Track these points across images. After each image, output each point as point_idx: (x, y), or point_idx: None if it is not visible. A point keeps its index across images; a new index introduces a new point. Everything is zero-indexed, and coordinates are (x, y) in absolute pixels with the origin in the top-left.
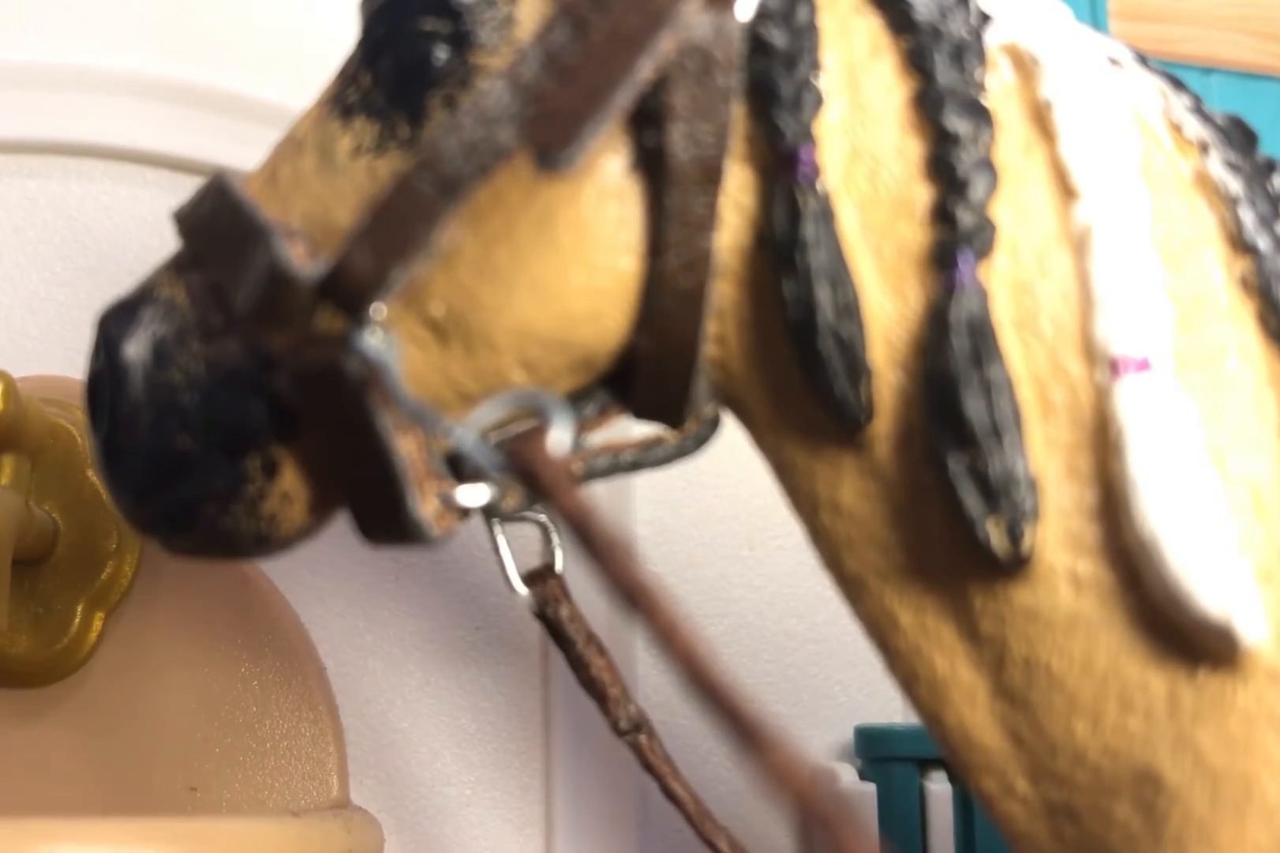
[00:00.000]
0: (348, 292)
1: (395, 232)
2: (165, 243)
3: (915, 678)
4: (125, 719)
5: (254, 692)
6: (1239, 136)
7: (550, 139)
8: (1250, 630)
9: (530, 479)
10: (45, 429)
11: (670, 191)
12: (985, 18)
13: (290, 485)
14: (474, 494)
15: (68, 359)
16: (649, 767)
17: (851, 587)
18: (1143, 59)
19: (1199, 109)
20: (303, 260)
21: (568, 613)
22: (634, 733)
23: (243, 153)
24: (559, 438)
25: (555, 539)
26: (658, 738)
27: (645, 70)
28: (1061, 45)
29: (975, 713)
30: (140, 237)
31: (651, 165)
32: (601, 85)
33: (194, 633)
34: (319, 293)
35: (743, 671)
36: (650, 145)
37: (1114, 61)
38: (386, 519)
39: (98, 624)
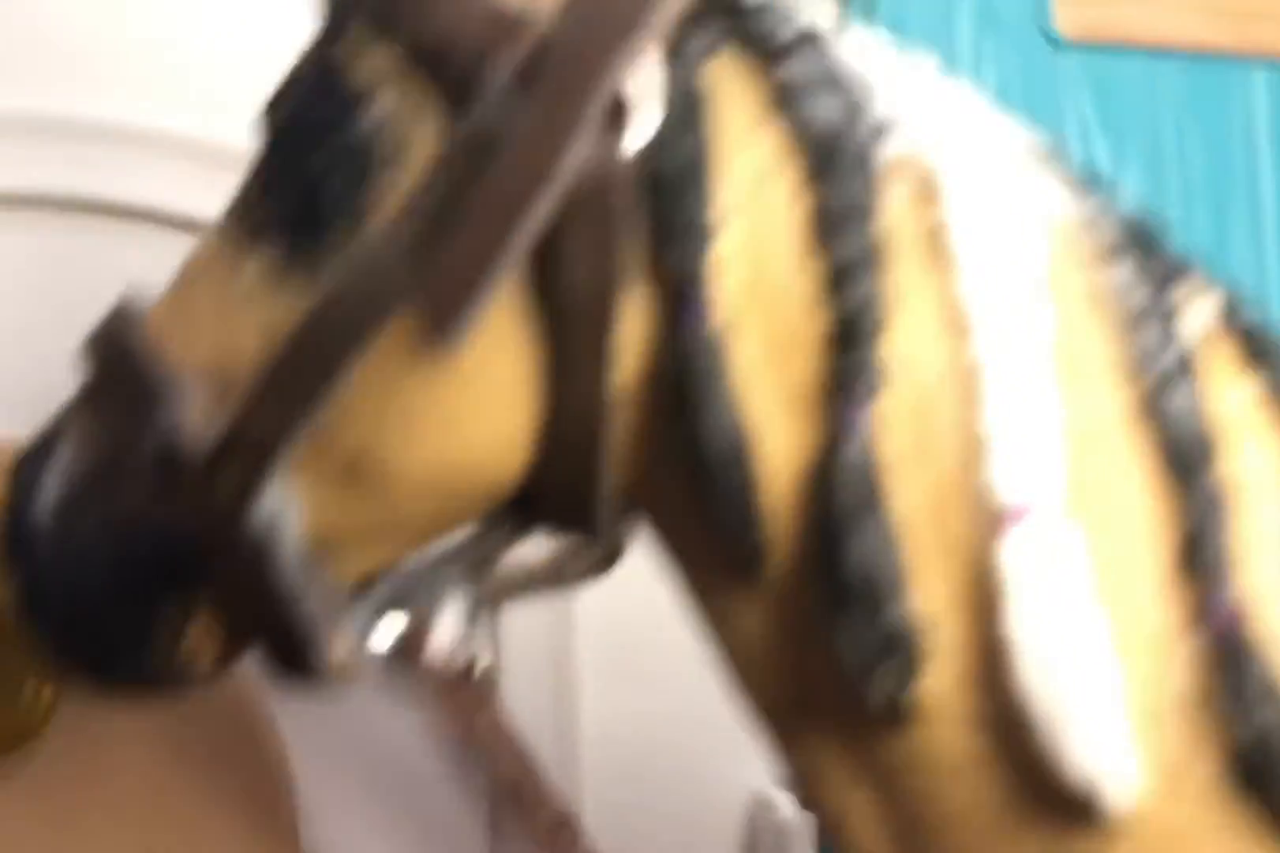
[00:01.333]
0: (242, 462)
1: (285, 393)
2: None
3: (818, 807)
4: (82, 787)
5: (209, 754)
6: (1146, 241)
7: (436, 315)
8: (1118, 800)
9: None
10: None
11: (564, 334)
12: (886, 126)
13: (205, 629)
14: (384, 637)
15: None
16: None
17: (753, 711)
18: (1056, 153)
19: (1109, 212)
20: (198, 417)
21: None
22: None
23: None
24: (439, 644)
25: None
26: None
27: (534, 228)
28: (964, 155)
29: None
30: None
31: (544, 308)
32: (488, 248)
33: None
34: (213, 462)
35: (688, 692)
36: (542, 289)
37: (1025, 160)
38: (296, 665)
39: (48, 695)
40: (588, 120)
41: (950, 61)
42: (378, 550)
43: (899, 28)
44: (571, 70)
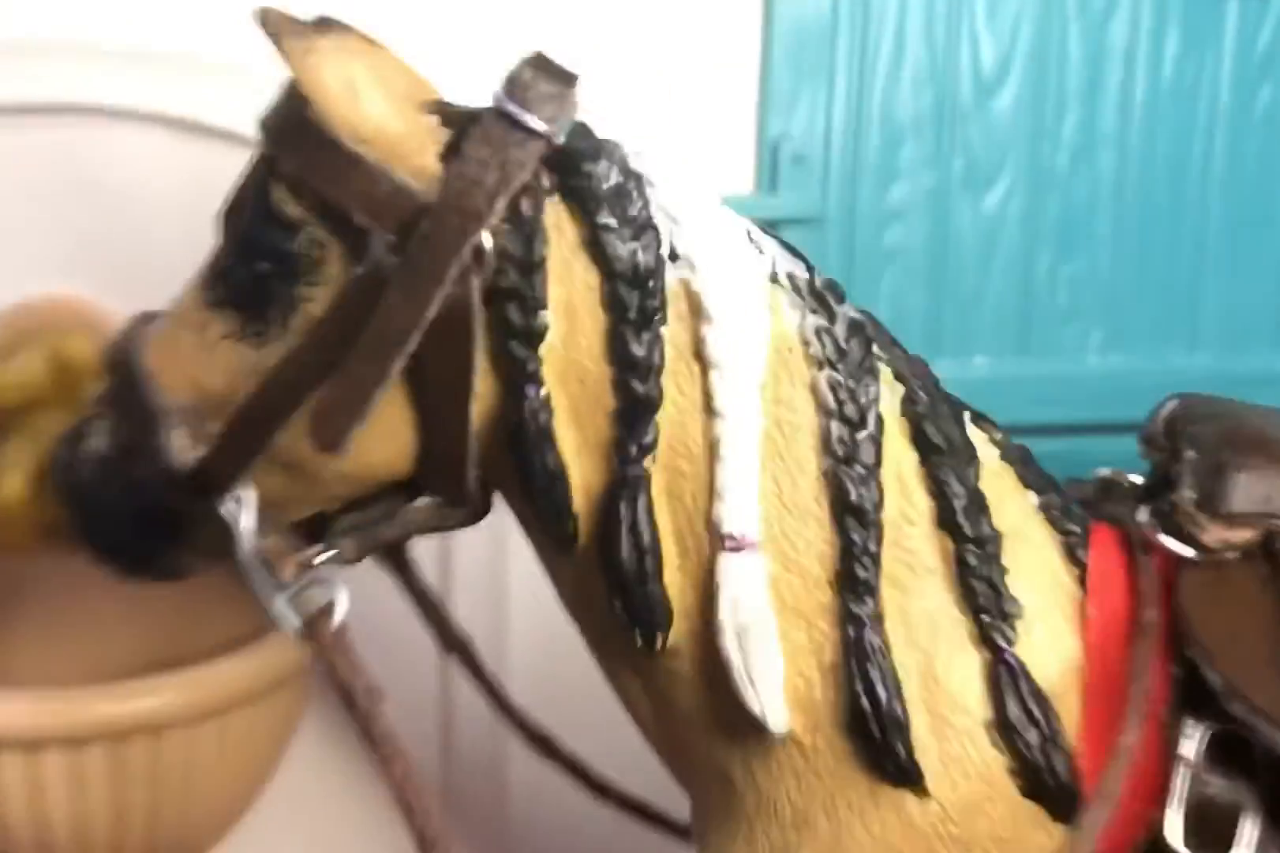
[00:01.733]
0: (214, 481)
1: (243, 439)
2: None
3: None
4: None
5: None
6: (856, 348)
7: (324, 432)
8: (777, 725)
9: (319, 649)
10: None
11: (434, 395)
12: (671, 257)
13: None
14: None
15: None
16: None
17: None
18: (803, 270)
19: (828, 327)
20: (183, 447)
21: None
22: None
23: None
24: (338, 616)
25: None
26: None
27: (408, 351)
28: (723, 281)
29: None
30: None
31: (419, 381)
32: (367, 380)
33: None
34: (194, 474)
35: None
36: (416, 371)
37: (774, 279)
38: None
39: None
40: (450, 272)
41: None
42: (309, 509)
43: None
44: (436, 231)
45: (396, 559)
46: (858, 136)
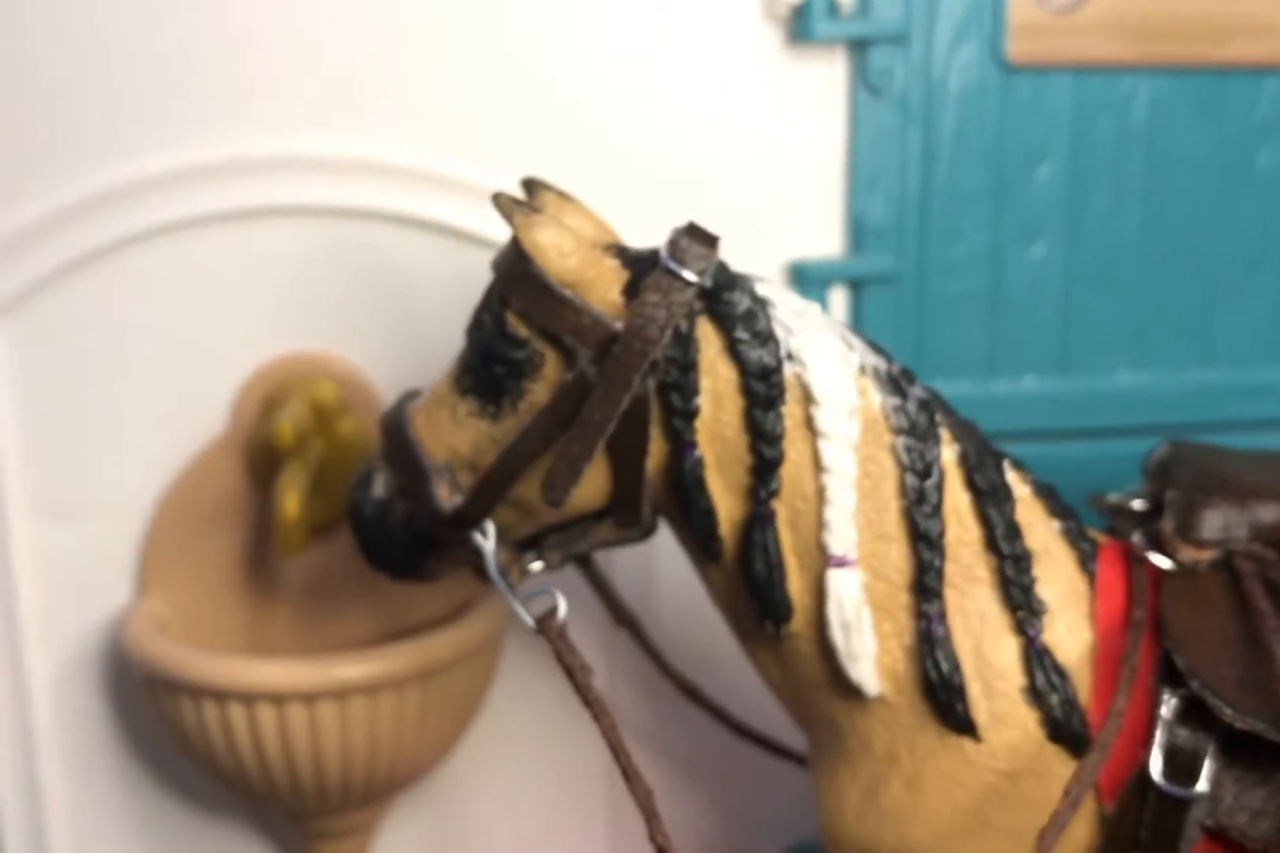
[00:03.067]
0: (468, 520)
1: (489, 492)
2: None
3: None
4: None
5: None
6: (923, 419)
7: (551, 492)
8: (870, 689)
9: (547, 640)
10: None
11: (619, 459)
12: (788, 357)
13: (441, 563)
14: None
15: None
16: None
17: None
18: (884, 362)
19: (902, 405)
20: (446, 496)
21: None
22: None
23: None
24: (561, 616)
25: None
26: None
27: (608, 433)
28: (824, 373)
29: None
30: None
31: (609, 449)
32: (579, 456)
33: None
34: (454, 519)
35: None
36: (607, 445)
37: (863, 370)
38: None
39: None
40: (635, 381)
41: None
42: (528, 531)
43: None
44: (624, 353)
45: (584, 562)
46: (925, 208)
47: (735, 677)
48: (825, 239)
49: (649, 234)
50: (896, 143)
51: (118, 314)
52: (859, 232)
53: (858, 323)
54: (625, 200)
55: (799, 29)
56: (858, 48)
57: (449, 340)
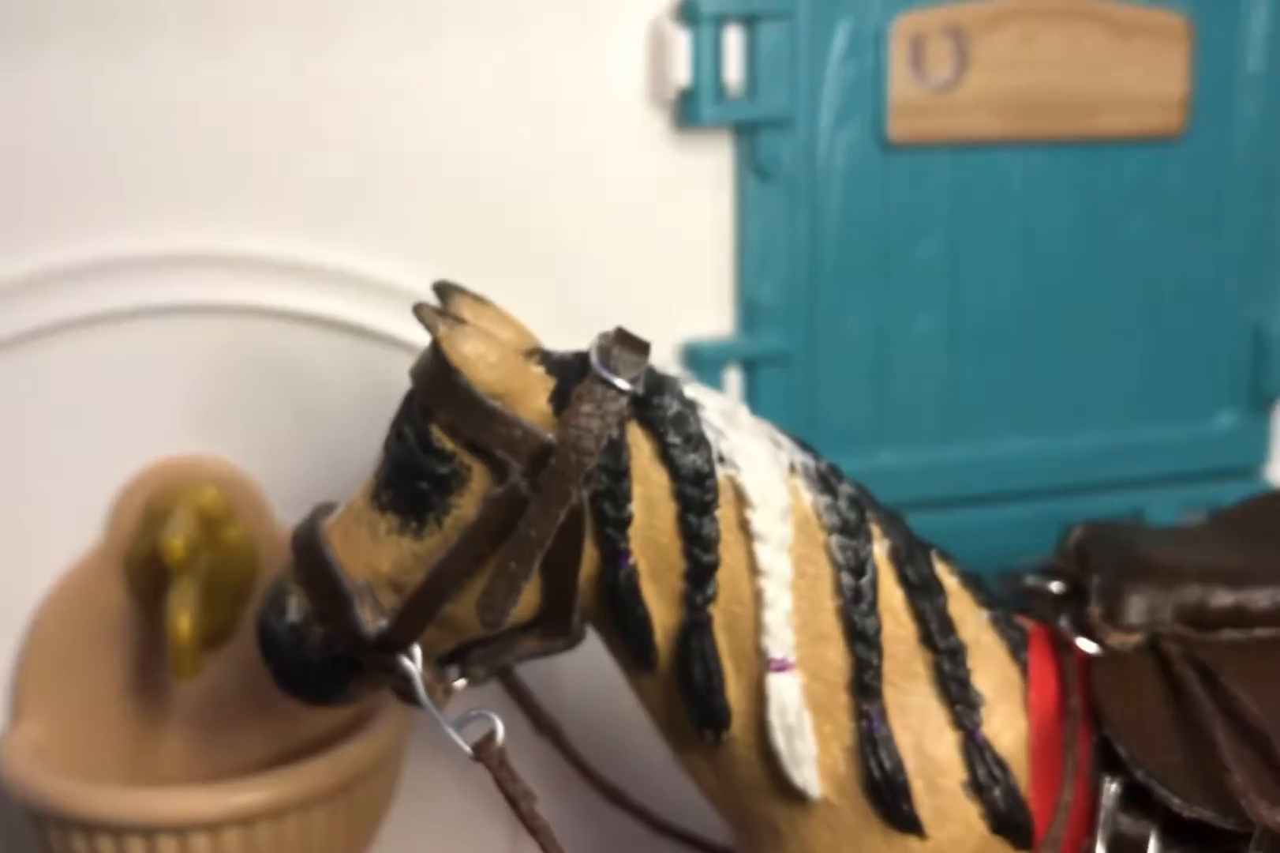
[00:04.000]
0: (395, 643)
1: (418, 613)
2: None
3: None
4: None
5: None
6: (854, 516)
7: (488, 615)
8: (813, 793)
9: (487, 766)
10: None
11: (551, 572)
12: (720, 459)
13: (361, 686)
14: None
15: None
16: None
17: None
18: (812, 460)
19: (833, 503)
20: (370, 620)
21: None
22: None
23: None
24: (499, 739)
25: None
26: None
27: (544, 554)
28: (756, 473)
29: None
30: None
31: (542, 564)
32: (518, 574)
33: None
34: (379, 643)
35: None
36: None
37: (793, 469)
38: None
39: None
40: (572, 494)
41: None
42: (453, 645)
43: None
44: (561, 466)
45: (503, 673)
46: (814, 287)
47: (650, 775)
48: (717, 320)
49: (545, 321)
50: (784, 224)
51: None
52: (750, 312)
53: (752, 402)
54: (518, 285)
55: (686, 113)
56: (745, 131)
57: (344, 442)
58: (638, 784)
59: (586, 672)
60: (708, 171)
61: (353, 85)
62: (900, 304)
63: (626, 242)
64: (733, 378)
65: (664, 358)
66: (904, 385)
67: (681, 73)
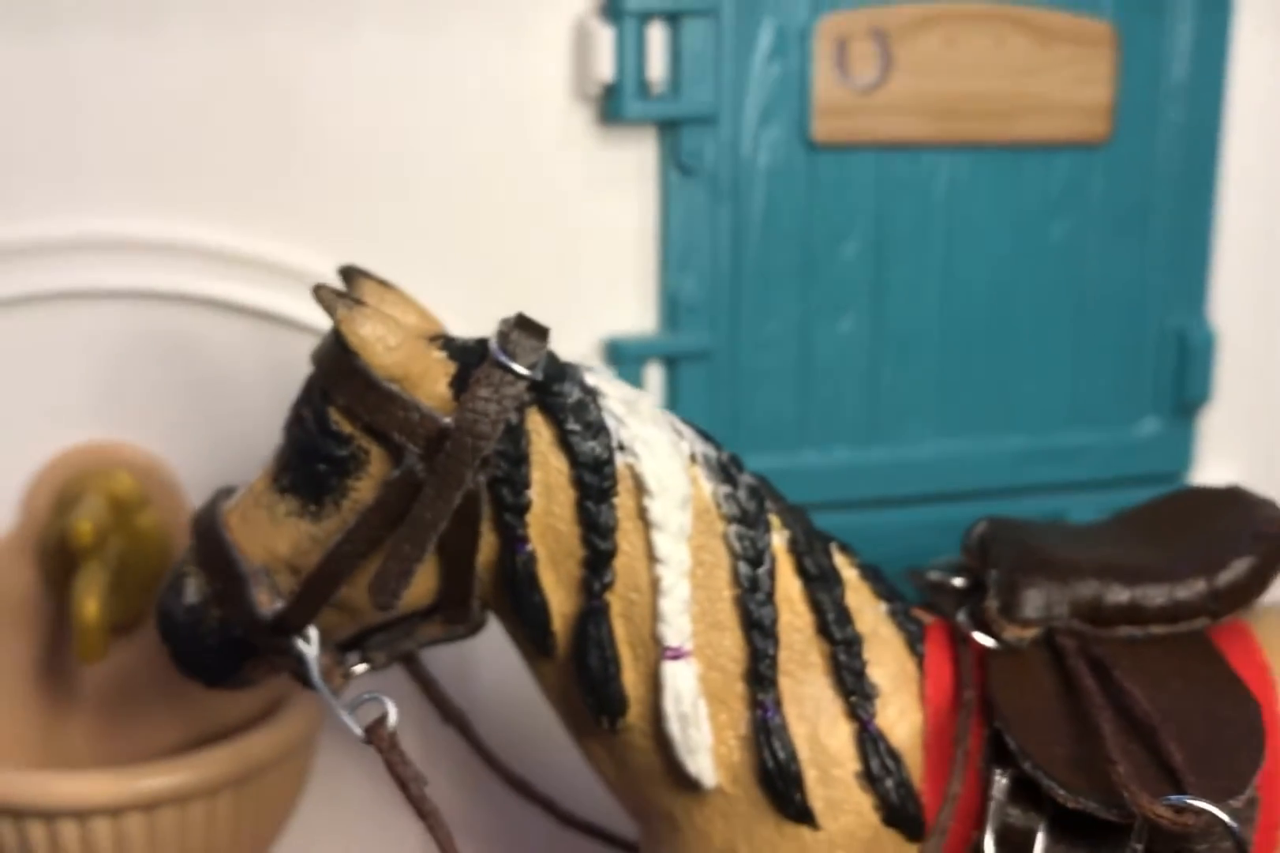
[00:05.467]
0: (290, 625)
1: (313, 596)
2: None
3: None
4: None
5: None
6: (754, 507)
7: (381, 596)
8: (708, 781)
9: (378, 750)
10: None
11: (448, 556)
12: (620, 447)
13: (257, 668)
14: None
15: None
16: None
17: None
18: (713, 449)
19: (733, 492)
20: (265, 601)
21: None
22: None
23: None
24: (391, 723)
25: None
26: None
27: (437, 533)
28: (656, 462)
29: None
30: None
31: (438, 547)
32: (410, 556)
33: None
34: (274, 624)
35: None
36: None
37: (693, 458)
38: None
39: None
40: (467, 477)
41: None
42: (350, 632)
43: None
44: (456, 450)
45: (408, 659)
46: (736, 285)
47: (560, 767)
48: (639, 316)
49: (464, 313)
50: (707, 221)
51: None
52: (672, 309)
53: (673, 399)
54: (438, 279)
55: (610, 109)
56: (668, 128)
57: (252, 427)
58: (555, 777)
59: (502, 661)
60: (631, 168)
61: (271, 72)
62: (823, 304)
63: (549, 236)
64: (654, 374)
65: (586, 353)
66: (827, 385)
67: (605, 69)
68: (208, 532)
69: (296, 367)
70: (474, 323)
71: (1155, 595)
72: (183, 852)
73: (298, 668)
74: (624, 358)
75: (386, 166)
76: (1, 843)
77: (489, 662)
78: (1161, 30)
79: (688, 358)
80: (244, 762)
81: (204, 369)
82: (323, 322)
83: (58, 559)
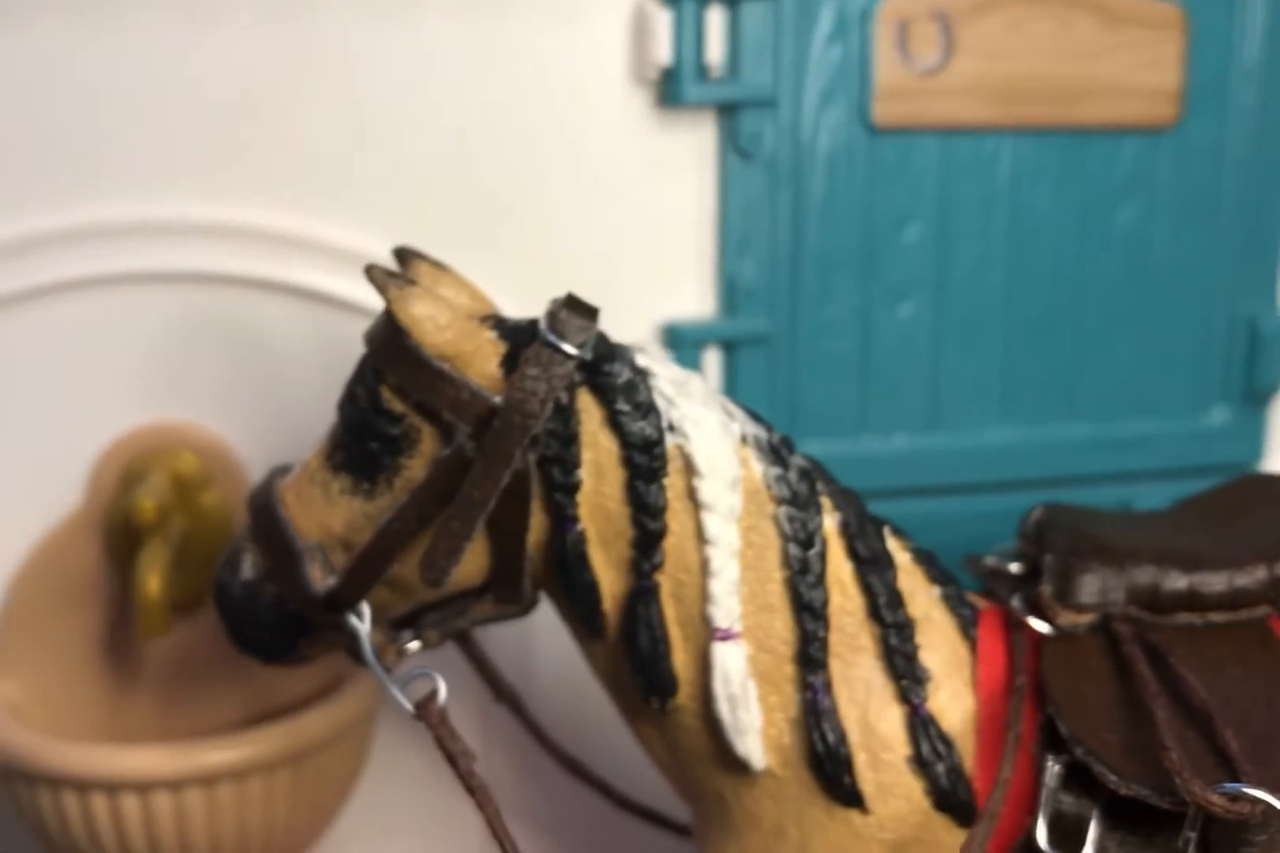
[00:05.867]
0: (342, 602)
1: (365, 572)
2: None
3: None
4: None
5: None
6: (804, 489)
7: (430, 572)
8: (757, 764)
9: (428, 725)
10: None
11: (498, 536)
12: (670, 427)
13: (313, 645)
14: (412, 648)
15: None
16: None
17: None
18: (764, 431)
19: (784, 474)
20: (319, 578)
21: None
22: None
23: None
24: (441, 699)
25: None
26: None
27: (487, 511)
28: (705, 443)
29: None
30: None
31: (488, 526)
32: (459, 534)
33: None
34: (327, 601)
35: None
36: (487, 522)
37: (744, 440)
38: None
39: None
40: (516, 456)
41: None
42: (404, 610)
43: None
44: (505, 428)
45: (462, 638)
46: (796, 269)
47: (615, 749)
48: (698, 301)
49: (521, 298)
50: (766, 205)
51: None
52: (731, 293)
53: (731, 384)
54: (496, 263)
55: (668, 93)
56: (727, 111)
57: (314, 408)
58: (608, 757)
59: (557, 641)
60: (690, 151)
61: (333, 58)
62: (884, 289)
63: (608, 220)
64: (713, 359)
65: (643, 338)
66: (887, 371)
67: (664, 52)
68: (263, 509)
69: (352, 347)
70: (531, 307)
71: (1214, 582)
72: (241, 826)
73: (351, 644)
74: (682, 342)
75: (444, 150)
76: (66, 814)
77: (544, 641)
78: (1232, 12)
79: (746, 343)
80: (301, 739)
81: (263, 350)
82: (377, 303)
83: (122, 537)
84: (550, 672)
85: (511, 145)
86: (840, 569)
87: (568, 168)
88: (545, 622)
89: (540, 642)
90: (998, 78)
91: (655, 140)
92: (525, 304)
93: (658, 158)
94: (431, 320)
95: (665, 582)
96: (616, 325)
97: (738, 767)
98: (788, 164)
